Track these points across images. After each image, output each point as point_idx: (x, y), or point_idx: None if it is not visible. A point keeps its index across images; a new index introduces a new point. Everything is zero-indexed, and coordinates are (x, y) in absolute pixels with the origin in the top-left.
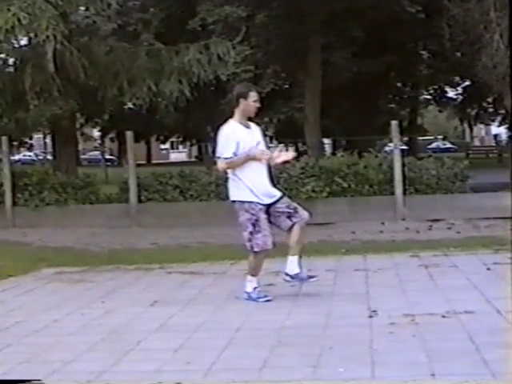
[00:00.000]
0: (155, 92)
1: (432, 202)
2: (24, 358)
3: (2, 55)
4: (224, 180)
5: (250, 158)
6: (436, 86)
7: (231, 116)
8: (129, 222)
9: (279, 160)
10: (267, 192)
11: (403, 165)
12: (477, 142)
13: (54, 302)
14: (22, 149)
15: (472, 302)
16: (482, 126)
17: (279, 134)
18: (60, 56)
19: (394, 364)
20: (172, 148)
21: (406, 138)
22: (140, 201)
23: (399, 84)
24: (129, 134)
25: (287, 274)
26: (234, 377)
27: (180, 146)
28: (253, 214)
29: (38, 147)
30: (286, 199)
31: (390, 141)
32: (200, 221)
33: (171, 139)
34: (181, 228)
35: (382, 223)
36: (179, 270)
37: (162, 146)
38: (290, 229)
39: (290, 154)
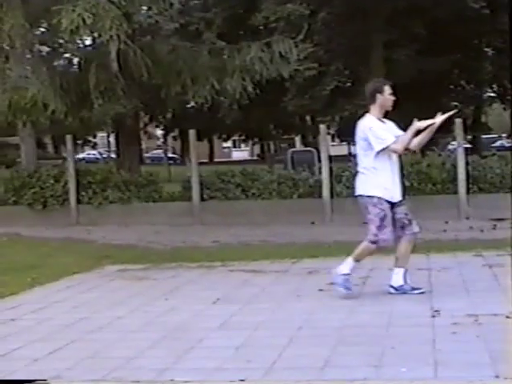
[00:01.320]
0: (218, 90)
1: (496, 201)
2: (87, 354)
3: (67, 55)
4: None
5: (416, 130)
6: (500, 84)
7: (367, 111)
8: (191, 220)
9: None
10: (395, 191)
11: (467, 163)
12: None
13: (117, 298)
14: (86, 147)
15: None
16: None
17: (342, 131)
18: (123, 55)
19: (456, 364)
20: (234, 146)
21: (469, 137)
22: (202, 199)
23: (463, 82)
24: (191, 133)
25: (392, 286)
26: (295, 376)
27: (242, 145)
28: (381, 209)
29: (102, 146)
30: (405, 206)
31: (454, 139)
32: (261, 219)
33: (233, 138)
34: (242, 226)
35: (446, 222)
36: (241, 268)
37: (224, 145)
38: (398, 238)
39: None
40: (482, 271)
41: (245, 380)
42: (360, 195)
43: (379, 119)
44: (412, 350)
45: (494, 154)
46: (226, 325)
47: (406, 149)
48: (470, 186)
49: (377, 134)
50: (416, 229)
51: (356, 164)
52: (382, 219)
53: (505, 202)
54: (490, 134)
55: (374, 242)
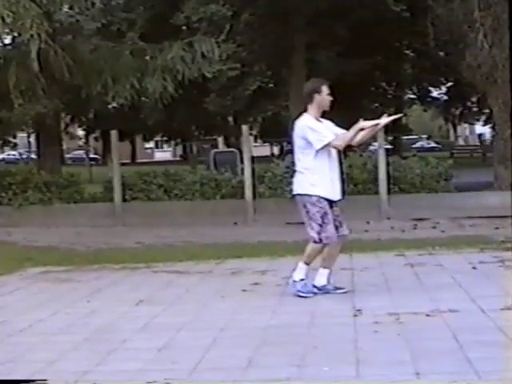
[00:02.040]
0: (139, 90)
1: (416, 201)
2: (8, 357)
3: None
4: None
5: (359, 129)
6: (420, 86)
7: (305, 111)
8: (113, 222)
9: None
10: (335, 190)
11: (388, 164)
12: (461, 142)
13: (39, 301)
14: (5, 148)
15: (457, 301)
16: (466, 125)
17: (264, 132)
18: (44, 55)
19: (378, 363)
20: (157, 147)
21: (390, 138)
22: (125, 200)
23: (384, 83)
24: (113, 133)
25: (315, 286)
26: (219, 376)
27: (165, 145)
28: (321, 208)
29: (22, 146)
30: (337, 208)
31: (375, 140)
32: (184, 220)
33: (156, 138)
34: (165, 227)
35: (367, 222)
36: (164, 269)
37: (147, 145)
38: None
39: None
40: (404, 270)
41: (169, 381)
42: (298, 194)
43: (317, 118)
44: (334, 349)
45: (414, 155)
46: (150, 326)
47: (349, 146)
48: (391, 186)
49: (316, 131)
50: (346, 231)
51: (292, 163)
52: (323, 217)
53: (425, 202)
54: (410, 135)
55: (318, 242)
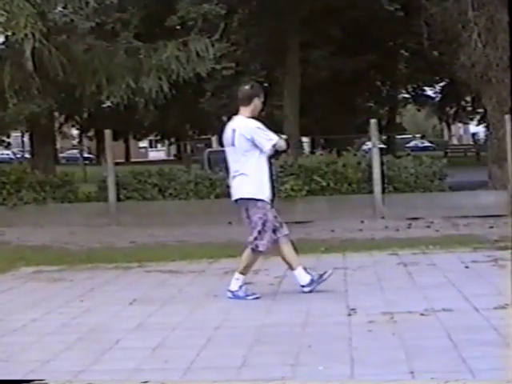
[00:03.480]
0: (133, 89)
1: (411, 201)
2: (1, 357)
3: None
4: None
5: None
6: (415, 85)
7: (236, 113)
8: (107, 221)
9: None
10: (270, 193)
11: (382, 163)
12: (455, 141)
13: (32, 301)
14: None
15: (450, 300)
16: (460, 124)
17: None
18: (38, 54)
19: (373, 362)
20: (151, 146)
21: (384, 137)
22: (119, 199)
23: (378, 83)
24: (107, 133)
25: (303, 286)
26: (213, 376)
27: (159, 145)
28: (264, 214)
29: (16, 145)
30: (274, 209)
31: (369, 139)
32: (178, 219)
33: (150, 137)
34: (159, 226)
35: (361, 221)
36: (158, 269)
37: (141, 145)
38: (274, 242)
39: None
40: (397, 270)
41: (163, 381)
42: (241, 198)
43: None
44: (329, 349)
45: (408, 154)
46: (143, 326)
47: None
48: (385, 185)
49: (265, 132)
50: (286, 231)
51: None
52: (264, 224)
53: (419, 201)
54: (404, 134)
55: (254, 249)
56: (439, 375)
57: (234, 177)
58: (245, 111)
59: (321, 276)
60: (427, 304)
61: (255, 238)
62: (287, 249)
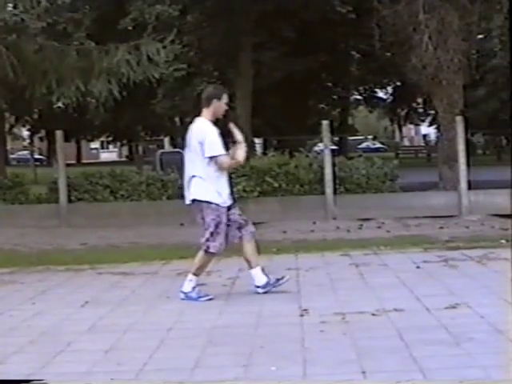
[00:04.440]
0: (84, 91)
1: (362, 202)
2: None
3: None
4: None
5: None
6: (366, 87)
7: (198, 115)
8: (59, 223)
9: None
10: (228, 195)
11: (333, 164)
12: (406, 142)
13: None
14: None
15: (401, 300)
16: (411, 126)
17: None
18: None
19: (325, 362)
20: (102, 148)
21: (336, 138)
22: (70, 201)
23: (330, 84)
24: (58, 134)
25: (258, 286)
26: (166, 377)
27: (110, 146)
28: (218, 216)
29: None
30: (237, 208)
31: (321, 141)
32: (130, 221)
33: (101, 139)
34: (111, 228)
35: (313, 222)
36: (110, 271)
37: (92, 146)
38: (239, 239)
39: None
40: (349, 270)
41: (115, 382)
42: (196, 200)
43: (213, 123)
44: (281, 349)
45: (360, 156)
46: (95, 328)
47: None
48: (337, 186)
49: (213, 140)
50: (252, 228)
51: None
52: (217, 226)
53: (371, 202)
54: (356, 135)
55: (206, 250)
56: (390, 375)
57: (190, 179)
58: (205, 113)
59: (277, 280)
60: (379, 304)
61: (207, 240)
62: (250, 247)
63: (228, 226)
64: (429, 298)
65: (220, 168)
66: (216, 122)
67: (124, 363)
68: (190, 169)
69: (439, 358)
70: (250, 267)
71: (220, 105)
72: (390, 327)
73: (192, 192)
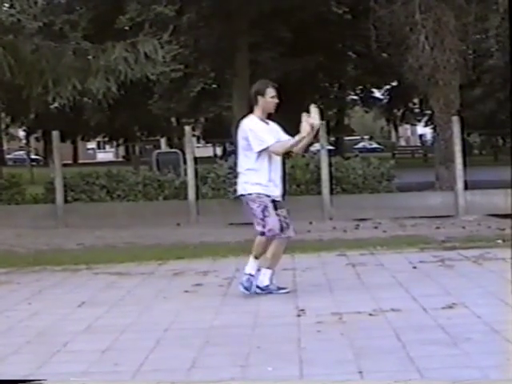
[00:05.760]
0: (81, 91)
1: (359, 202)
2: None
3: None
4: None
5: (301, 141)
6: (363, 87)
7: (251, 111)
8: (55, 223)
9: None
10: (274, 189)
11: (330, 165)
12: (403, 142)
13: None
14: None
15: (398, 300)
16: (407, 126)
17: (207, 133)
18: None
19: (321, 362)
20: (99, 148)
21: (332, 138)
22: (66, 201)
23: (326, 84)
24: (55, 134)
25: (258, 287)
26: (162, 377)
27: (107, 146)
28: (261, 202)
29: None
30: (285, 210)
31: (317, 141)
32: (127, 221)
33: (98, 139)
34: (108, 228)
35: (310, 222)
36: (106, 271)
37: (89, 146)
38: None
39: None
40: (346, 270)
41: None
42: (241, 195)
43: (262, 120)
44: (278, 350)
45: (356, 156)
46: (92, 328)
47: (288, 152)
48: (334, 186)
49: (257, 134)
50: (291, 233)
51: (235, 164)
52: (263, 210)
53: (367, 202)
54: (352, 135)
55: (262, 234)
56: (387, 375)
57: (238, 174)
58: (256, 109)
59: (279, 289)
60: (375, 304)
61: (262, 226)
62: (277, 247)
63: None
64: (425, 298)
65: (276, 154)
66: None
67: (120, 363)
68: (238, 164)
69: (436, 358)
70: (265, 266)
71: (266, 100)
72: (387, 327)
73: (238, 188)
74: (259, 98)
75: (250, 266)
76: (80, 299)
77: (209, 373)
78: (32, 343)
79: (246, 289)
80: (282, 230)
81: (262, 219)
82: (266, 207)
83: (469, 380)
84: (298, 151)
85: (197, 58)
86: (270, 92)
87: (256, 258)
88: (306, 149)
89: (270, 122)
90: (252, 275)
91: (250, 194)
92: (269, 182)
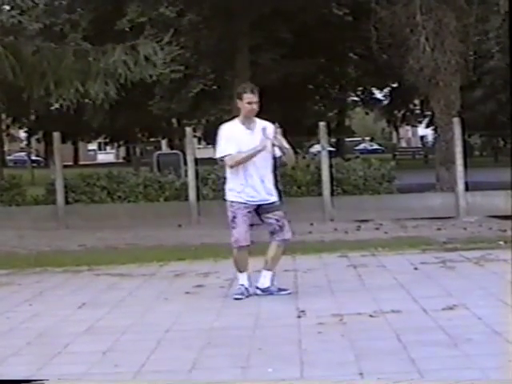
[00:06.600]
0: (82, 93)
1: (360, 203)
2: None
3: None
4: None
5: (254, 154)
6: (363, 88)
7: (238, 115)
8: (56, 224)
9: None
10: (252, 194)
11: (331, 166)
12: (403, 144)
13: None
14: None
15: (399, 302)
16: (408, 127)
17: (208, 135)
18: None
19: (322, 364)
20: (99, 149)
21: (333, 140)
22: (67, 202)
23: (327, 86)
24: (55, 135)
25: (258, 288)
26: (163, 378)
27: (107, 147)
28: (232, 212)
29: None
30: (279, 212)
31: (318, 142)
32: (128, 222)
33: (99, 140)
34: (109, 229)
35: (311, 224)
36: (107, 272)
37: (90, 147)
38: (269, 242)
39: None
40: (347, 272)
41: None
42: (224, 199)
43: (244, 124)
44: (278, 351)
45: (357, 157)
46: (93, 329)
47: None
48: (334, 188)
49: (220, 142)
50: (287, 236)
51: None
52: (233, 220)
53: (368, 203)
54: (353, 137)
55: (234, 245)
56: (388, 376)
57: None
58: (239, 113)
59: (279, 290)
60: (376, 305)
61: (232, 235)
62: (275, 250)
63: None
64: (426, 300)
65: (229, 166)
66: None
67: (121, 364)
68: None
69: (437, 359)
70: (265, 268)
71: (243, 105)
72: (388, 328)
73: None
74: (238, 101)
75: (240, 277)
76: (81, 300)
77: (209, 374)
78: (33, 344)
79: (239, 295)
80: (273, 233)
81: (232, 228)
82: (234, 217)
83: (469, 381)
84: (289, 163)
85: (197, 60)
86: (247, 97)
87: (240, 272)
88: (306, 150)
89: (257, 128)
90: (243, 285)
91: (226, 201)
92: (245, 188)
